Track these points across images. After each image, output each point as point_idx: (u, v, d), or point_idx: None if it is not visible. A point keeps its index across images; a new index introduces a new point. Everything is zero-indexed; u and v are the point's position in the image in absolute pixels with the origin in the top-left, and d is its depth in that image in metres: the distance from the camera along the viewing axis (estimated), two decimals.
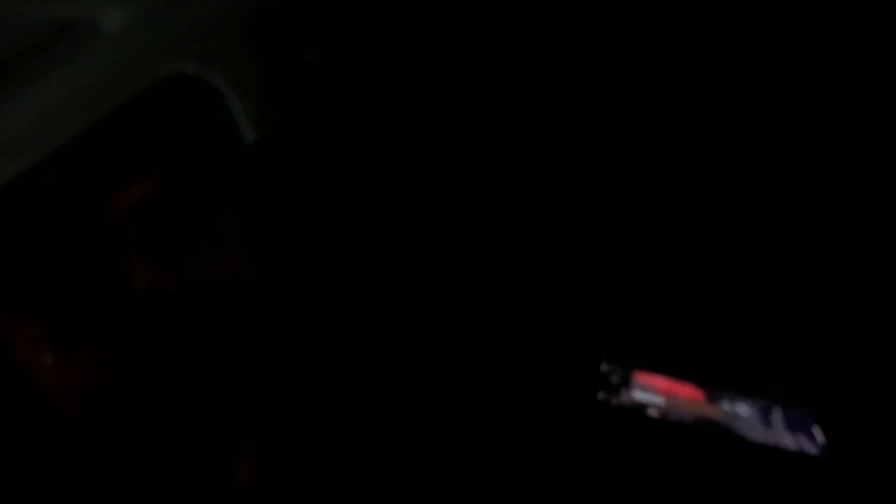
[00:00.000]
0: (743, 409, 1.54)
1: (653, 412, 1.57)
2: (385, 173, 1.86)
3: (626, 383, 1.60)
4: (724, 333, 1.64)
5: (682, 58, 1.70)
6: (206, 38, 1.71)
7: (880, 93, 1.57)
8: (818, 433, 1.49)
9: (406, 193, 1.84)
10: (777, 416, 1.52)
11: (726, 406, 1.55)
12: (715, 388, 1.57)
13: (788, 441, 1.50)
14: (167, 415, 1.68)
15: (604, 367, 1.62)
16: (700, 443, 1.53)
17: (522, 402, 1.64)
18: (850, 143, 1.59)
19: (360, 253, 1.81)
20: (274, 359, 1.79)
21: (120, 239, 1.92)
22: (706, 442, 1.53)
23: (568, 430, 1.59)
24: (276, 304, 1.81)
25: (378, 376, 1.72)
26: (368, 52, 1.85)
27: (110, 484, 1.58)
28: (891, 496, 1.37)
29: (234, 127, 1.87)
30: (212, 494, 1.65)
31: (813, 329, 1.58)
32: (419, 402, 1.68)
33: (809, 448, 1.48)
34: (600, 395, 1.59)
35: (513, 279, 1.76)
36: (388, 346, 1.73)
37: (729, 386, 1.56)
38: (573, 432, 1.58)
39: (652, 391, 1.59)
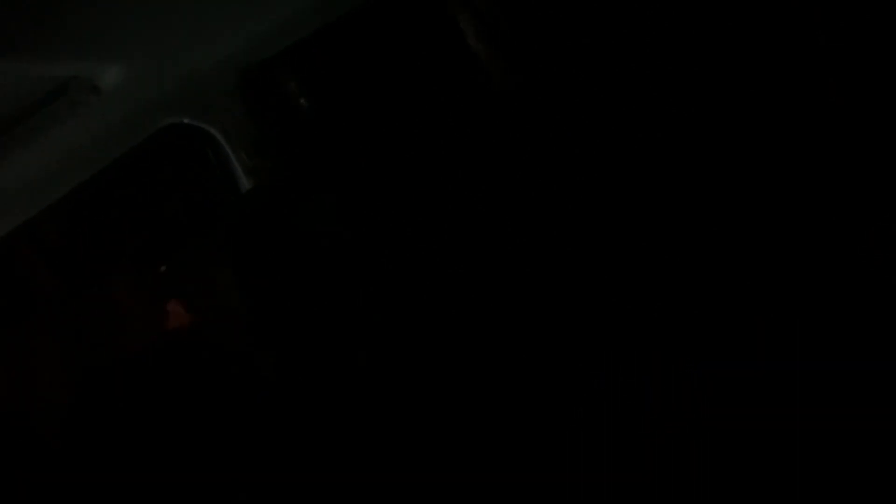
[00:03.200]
0: None
1: None
2: (377, 221, 1.90)
3: None
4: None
5: (679, 58, 1.70)
6: (200, 92, 1.78)
7: (880, 92, 1.57)
8: None
9: (398, 239, 1.87)
10: None
11: None
12: None
13: None
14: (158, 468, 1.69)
15: None
16: None
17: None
18: (849, 142, 1.58)
19: (352, 301, 1.84)
20: (264, 404, 1.80)
21: (118, 288, 1.97)
22: None
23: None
24: (268, 352, 1.83)
25: (369, 423, 1.73)
26: (358, 102, 1.91)
27: None
28: None
29: (230, 175, 1.93)
30: None
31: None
32: (410, 448, 1.68)
33: None
34: None
35: (505, 326, 1.76)
36: (378, 394, 1.74)
37: None
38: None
39: None
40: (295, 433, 1.76)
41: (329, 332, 1.79)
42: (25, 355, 1.90)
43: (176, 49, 1.64)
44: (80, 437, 1.71)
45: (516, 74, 1.84)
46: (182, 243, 2.01)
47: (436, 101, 1.83)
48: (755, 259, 1.59)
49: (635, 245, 1.68)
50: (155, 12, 1.46)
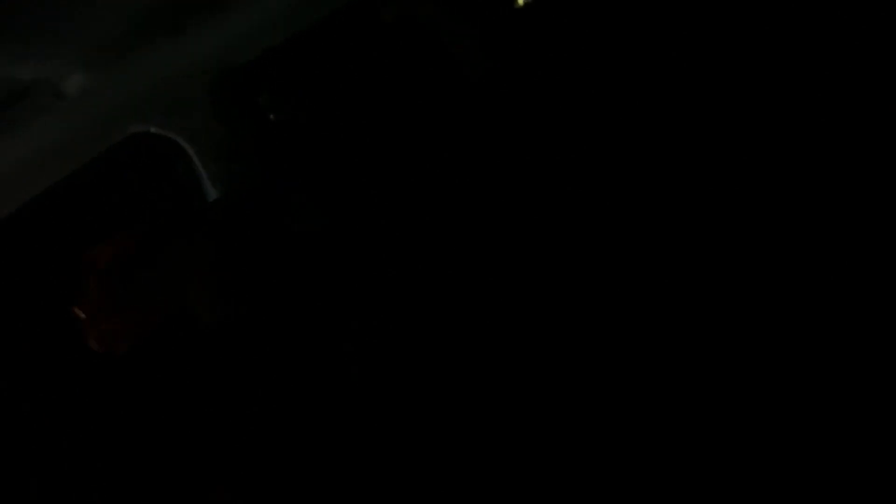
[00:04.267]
0: None
1: None
2: (355, 221, 1.89)
3: None
4: None
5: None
6: (167, 99, 1.77)
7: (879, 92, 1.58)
8: None
9: (379, 239, 1.87)
10: None
11: None
12: None
13: None
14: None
15: None
16: None
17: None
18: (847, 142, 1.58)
19: (334, 303, 1.83)
20: (253, 410, 1.79)
21: (87, 296, 1.94)
22: None
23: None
24: (251, 357, 1.82)
25: (358, 424, 1.72)
26: (333, 106, 1.92)
27: None
28: None
29: (197, 184, 1.92)
30: None
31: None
32: (399, 452, 1.67)
33: None
34: None
35: (488, 330, 1.76)
36: (367, 396, 1.73)
37: None
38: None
39: None
40: (286, 435, 1.75)
41: (314, 332, 1.78)
42: None
43: (143, 55, 1.64)
44: None
45: (491, 76, 1.86)
46: (148, 252, 1.99)
47: (411, 102, 1.84)
48: (754, 259, 1.58)
49: (627, 242, 1.67)
50: (122, 18, 1.46)
